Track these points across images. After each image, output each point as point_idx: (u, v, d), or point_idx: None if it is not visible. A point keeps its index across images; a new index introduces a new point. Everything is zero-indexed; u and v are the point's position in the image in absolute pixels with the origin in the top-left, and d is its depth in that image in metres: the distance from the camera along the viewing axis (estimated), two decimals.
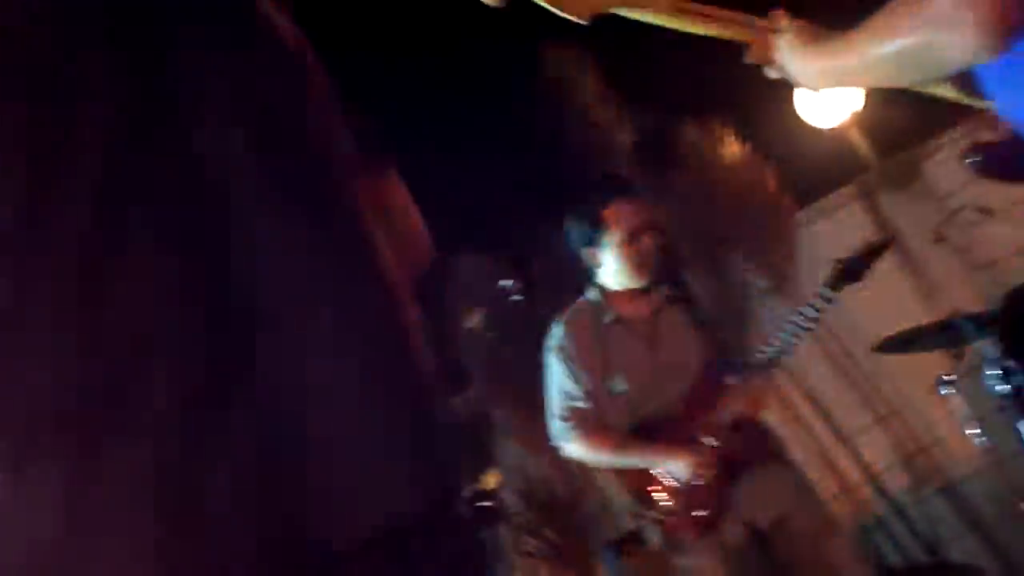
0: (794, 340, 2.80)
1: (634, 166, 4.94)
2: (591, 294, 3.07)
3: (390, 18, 4.88)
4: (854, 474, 4.53)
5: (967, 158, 2.79)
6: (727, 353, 2.92)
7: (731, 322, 3.10)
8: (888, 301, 4.75)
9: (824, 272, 2.85)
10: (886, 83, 1.60)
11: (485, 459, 4.51)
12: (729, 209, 4.74)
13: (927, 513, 4.46)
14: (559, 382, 3.04)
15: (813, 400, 4.63)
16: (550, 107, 5.05)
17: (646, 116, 4.95)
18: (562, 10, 1.59)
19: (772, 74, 1.69)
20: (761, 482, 2.84)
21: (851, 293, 4.72)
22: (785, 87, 1.72)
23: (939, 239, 4.56)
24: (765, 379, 2.84)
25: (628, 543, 3.32)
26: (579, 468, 4.24)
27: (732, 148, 4.81)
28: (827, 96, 4.52)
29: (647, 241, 2.94)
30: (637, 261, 2.95)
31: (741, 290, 4.61)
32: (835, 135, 4.66)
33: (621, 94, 4.98)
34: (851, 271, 2.83)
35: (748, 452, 2.84)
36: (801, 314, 2.79)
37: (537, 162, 5.07)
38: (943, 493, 4.42)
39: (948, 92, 1.67)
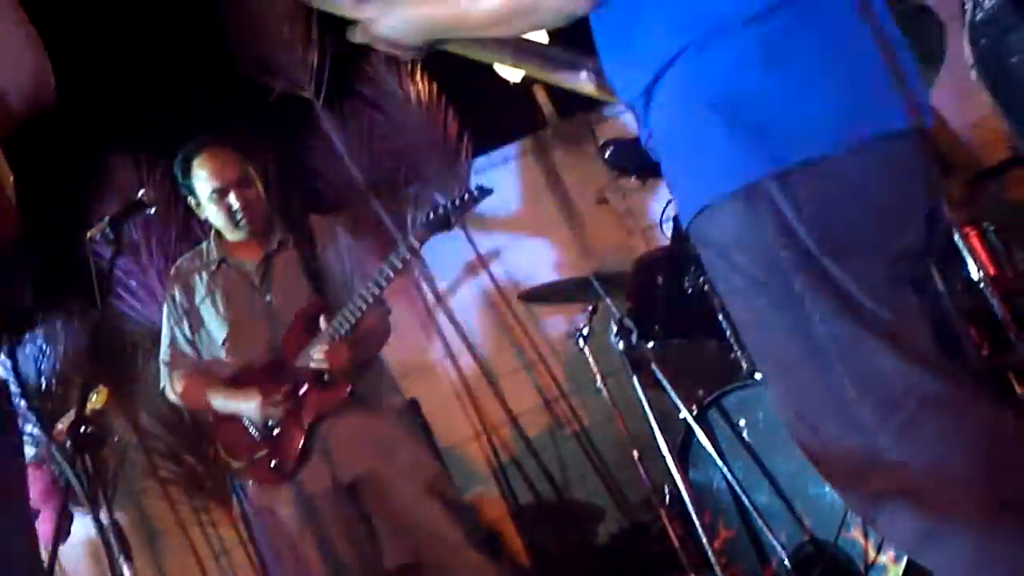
0: (382, 285, 2.75)
1: (319, 88, 4.81)
2: (208, 238, 3.00)
3: None
4: (496, 414, 4.73)
5: (603, 150, 2.92)
6: (334, 303, 2.89)
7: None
8: (550, 254, 4.98)
9: (418, 221, 2.85)
10: (489, 32, 1.57)
11: (124, 378, 4.27)
12: (407, 145, 4.74)
13: (558, 455, 4.76)
14: (165, 325, 2.97)
15: (466, 339, 4.77)
16: (240, 19, 4.78)
17: (338, 39, 4.80)
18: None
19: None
20: (346, 435, 2.83)
21: (515, 242, 4.93)
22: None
23: (601, 201, 4.84)
24: (354, 330, 2.79)
25: None
26: None
27: (419, 85, 4.79)
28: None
29: (236, 198, 2.83)
30: (225, 217, 2.86)
31: (407, 227, 4.64)
32: (520, 89, 4.76)
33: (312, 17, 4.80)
34: (444, 220, 2.80)
35: (334, 403, 2.81)
36: (389, 262, 2.76)
37: (223, 74, 4.81)
38: (573, 437, 4.74)
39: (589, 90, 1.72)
